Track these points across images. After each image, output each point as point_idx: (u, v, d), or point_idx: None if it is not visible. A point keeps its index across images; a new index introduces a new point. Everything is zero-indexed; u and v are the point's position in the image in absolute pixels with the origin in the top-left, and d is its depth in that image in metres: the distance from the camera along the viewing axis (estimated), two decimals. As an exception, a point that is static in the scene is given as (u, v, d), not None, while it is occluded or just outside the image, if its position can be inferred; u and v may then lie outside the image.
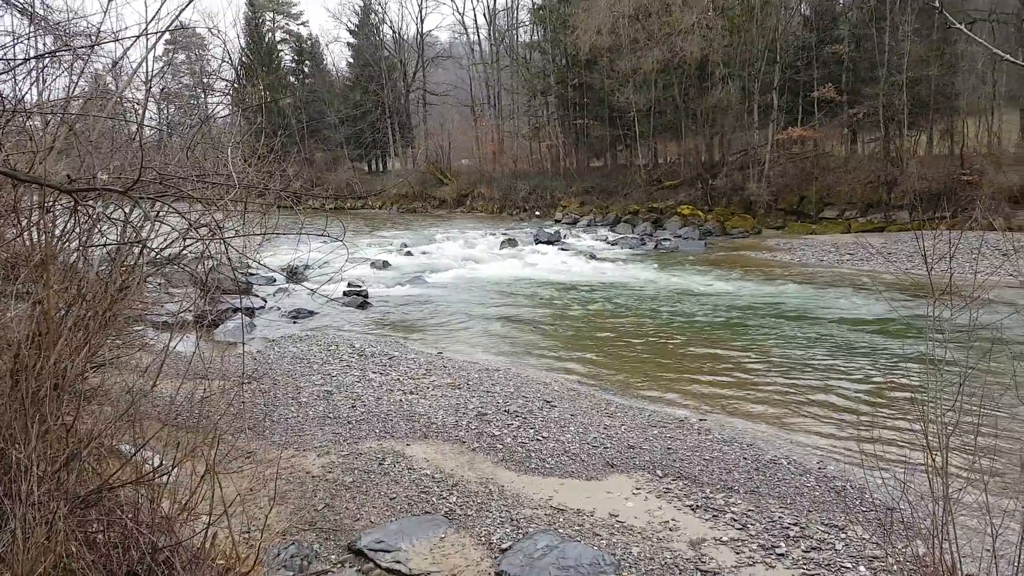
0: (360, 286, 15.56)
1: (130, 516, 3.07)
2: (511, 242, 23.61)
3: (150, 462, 3.59)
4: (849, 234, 23.26)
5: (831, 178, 25.88)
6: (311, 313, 13.55)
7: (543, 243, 24.00)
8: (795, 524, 5.17)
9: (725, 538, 4.96)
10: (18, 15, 4.48)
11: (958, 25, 3.33)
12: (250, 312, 13.10)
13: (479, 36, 44.57)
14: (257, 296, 14.76)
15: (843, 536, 5.00)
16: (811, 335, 11.23)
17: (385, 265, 19.41)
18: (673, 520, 5.23)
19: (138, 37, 3.84)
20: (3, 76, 4.19)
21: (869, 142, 28.36)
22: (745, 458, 6.38)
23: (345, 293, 14.91)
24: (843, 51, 26.16)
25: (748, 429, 7.36)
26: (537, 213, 33.89)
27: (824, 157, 27.65)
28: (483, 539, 4.86)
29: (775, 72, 27.00)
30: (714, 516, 5.30)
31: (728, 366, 9.62)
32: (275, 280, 16.19)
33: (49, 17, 4.51)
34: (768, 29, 27.29)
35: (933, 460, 3.35)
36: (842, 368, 9.39)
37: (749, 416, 7.77)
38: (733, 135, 29.34)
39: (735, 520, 5.23)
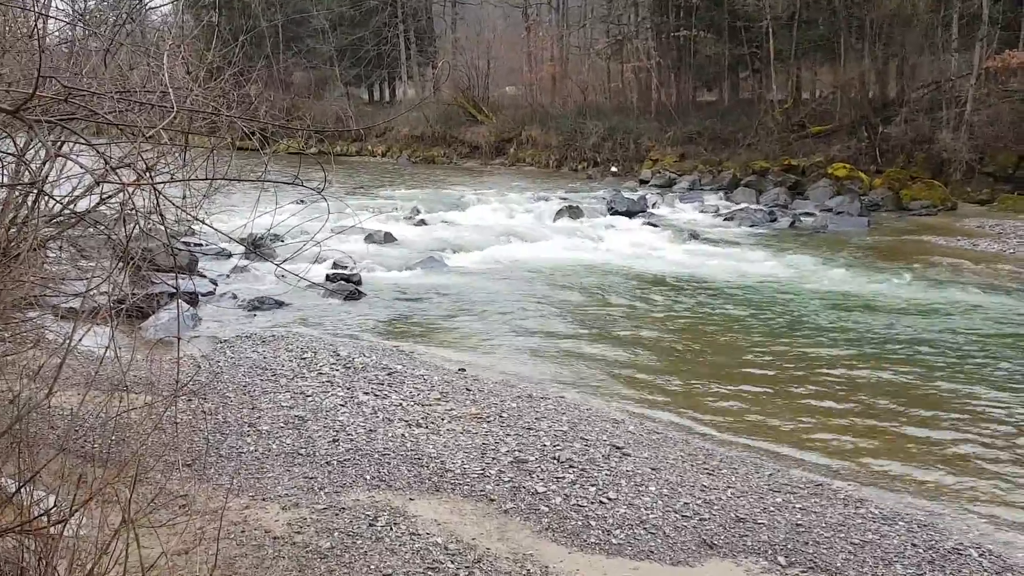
0: (351, 268, 15.74)
1: (10, 578, 3.16)
2: (573, 211, 23.56)
3: (42, 503, 3.70)
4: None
5: (1069, 129, 25.16)
6: (279, 304, 13.77)
7: (621, 214, 23.86)
8: (989, 648, 5.06)
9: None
10: None
11: None
12: (192, 298, 13.38)
13: (539, -98, 44.49)
14: (204, 276, 15.07)
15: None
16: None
17: (388, 239, 19.62)
18: (801, 632, 5.17)
19: None
20: None
21: None
22: (914, 544, 6.31)
23: (329, 277, 15.11)
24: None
25: (919, 502, 7.26)
26: (614, 169, 33.80)
27: (1059, 97, 26.88)
28: (515, 643, 4.88)
29: (987, -34, 26.31)
30: (864, 629, 5.22)
31: (894, 411, 9.49)
32: (230, 254, 16.49)
33: None
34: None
35: None
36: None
37: (922, 483, 7.66)
38: (918, 60, 28.67)
39: (896, 637, 5.15)
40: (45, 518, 3.53)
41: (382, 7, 46.63)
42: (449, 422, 8.46)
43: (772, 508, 6.82)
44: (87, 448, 4.03)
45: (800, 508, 6.85)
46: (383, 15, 46.73)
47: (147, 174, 3.76)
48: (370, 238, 19.42)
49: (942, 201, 25.39)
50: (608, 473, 7.33)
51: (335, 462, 7.39)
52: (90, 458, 3.95)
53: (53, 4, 4.88)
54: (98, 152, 4.10)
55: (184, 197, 4.15)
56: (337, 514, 6.39)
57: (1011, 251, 19.18)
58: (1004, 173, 25.76)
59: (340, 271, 15.46)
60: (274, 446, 7.69)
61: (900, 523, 6.65)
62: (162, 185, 3.86)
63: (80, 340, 3.92)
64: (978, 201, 25.36)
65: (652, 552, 6.07)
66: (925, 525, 6.66)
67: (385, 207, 23.97)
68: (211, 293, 14.36)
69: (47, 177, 4.17)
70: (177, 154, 4.35)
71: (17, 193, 4.24)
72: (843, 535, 6.41)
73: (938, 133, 26.59)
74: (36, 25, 4.52)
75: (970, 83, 26.60)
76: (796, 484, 7.36)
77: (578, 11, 42.13)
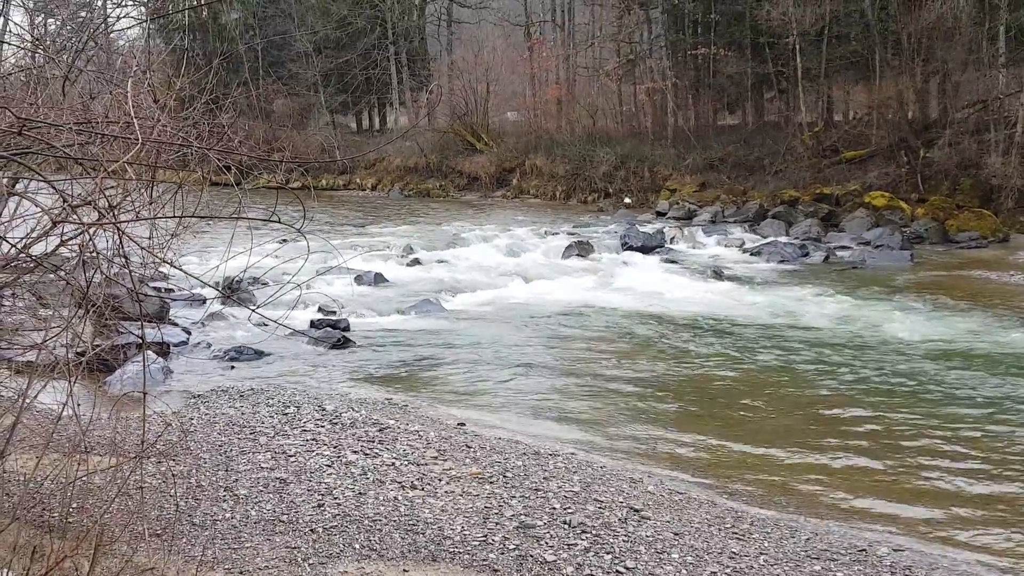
0: (338, 313, 15.76)
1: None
2: (584, 247, 23.69)
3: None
4: None
5: None
6: (259, 354, 13.79)
7: (637, 250, 23.95)
8: None
9: None
10: None
11: None
12: (163, 349, 13.37)
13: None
14: (175, 324, 15.07)
15: None
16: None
17: (379, 280, 19.67)
18: None
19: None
20: None
21: None
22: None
23: (313, 323, 15.14)
24: None
25: (975, 568, 7.17)
26: (627, 200, 33.87)
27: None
28: None
29: (1034, -27, 26.54)
30: None
31: (945, 469, 9.43)
32: (204, 299, 16.51)
33: None
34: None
35: None
36: None
37: (979, 547, 7.59)
38: (962, 77, 28.75)
39: None
40: (-5, 596, 3.51)
41: (371, 28, 46.97)
42: (447, 483, 8.39)
43: (809, 577, 6.75)
44: (44, 517, 4.02)
45: (840, 576, 6.78)
46: (372, 36, 47.00)
47: (110, 213, 3.79)
48: (359, 280, 19.42)
49: (993, 232, 25.25)
50: (625, 539, 7.24)
51: (320, 530, 7.31)
52: (47, 528, 3.93)
53: (8, 28, 4.95)
54: (56, 190, 4.13)
55: (151, 237, 4.17)
56: (322, 588, 6.35)
57: (1070, 286, 19.10)
58: (1060, 200, 25.73)
59: (326, 317, 15.48)
60: (253, 512, 7.62)
61: (954, 593, 6.61)
62: (127, 225, 3.88)
63: (36, 396, 3.92)
64: (1034, 232, 25.30)
65: (675, 628, 6.02)
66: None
67: (375, 245, 24.03)
68: (184, 343, 14.36)
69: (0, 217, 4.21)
70: (143, 190, 4.38)
71: (-33, 235, 4.27)
72: (889, 606, 6.36)
73: (986, 157, 26.51)
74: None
75: (1020, 101, 26.66)
76: (836, 550, 7.25)
77: (585, 29, 42.33)
